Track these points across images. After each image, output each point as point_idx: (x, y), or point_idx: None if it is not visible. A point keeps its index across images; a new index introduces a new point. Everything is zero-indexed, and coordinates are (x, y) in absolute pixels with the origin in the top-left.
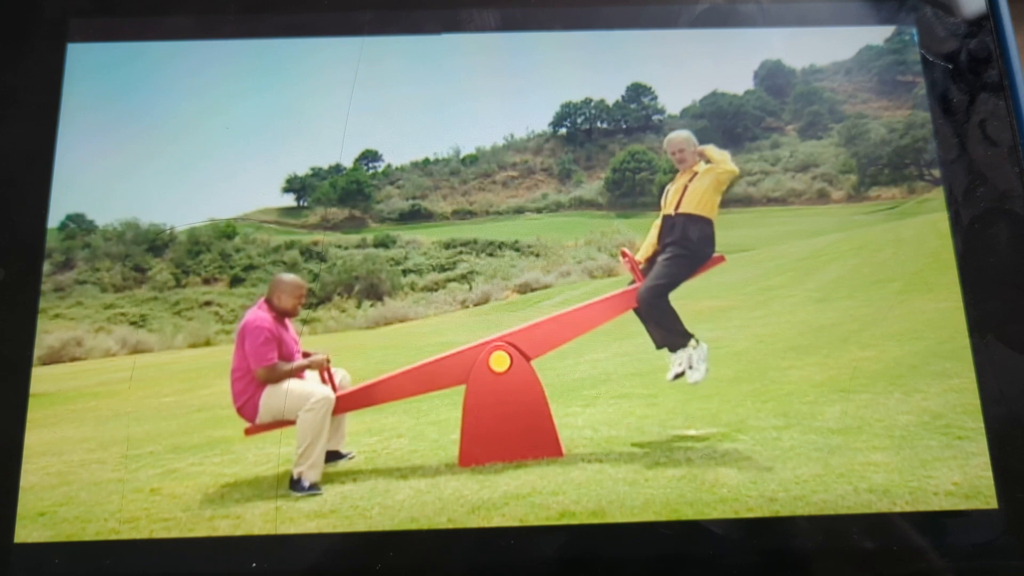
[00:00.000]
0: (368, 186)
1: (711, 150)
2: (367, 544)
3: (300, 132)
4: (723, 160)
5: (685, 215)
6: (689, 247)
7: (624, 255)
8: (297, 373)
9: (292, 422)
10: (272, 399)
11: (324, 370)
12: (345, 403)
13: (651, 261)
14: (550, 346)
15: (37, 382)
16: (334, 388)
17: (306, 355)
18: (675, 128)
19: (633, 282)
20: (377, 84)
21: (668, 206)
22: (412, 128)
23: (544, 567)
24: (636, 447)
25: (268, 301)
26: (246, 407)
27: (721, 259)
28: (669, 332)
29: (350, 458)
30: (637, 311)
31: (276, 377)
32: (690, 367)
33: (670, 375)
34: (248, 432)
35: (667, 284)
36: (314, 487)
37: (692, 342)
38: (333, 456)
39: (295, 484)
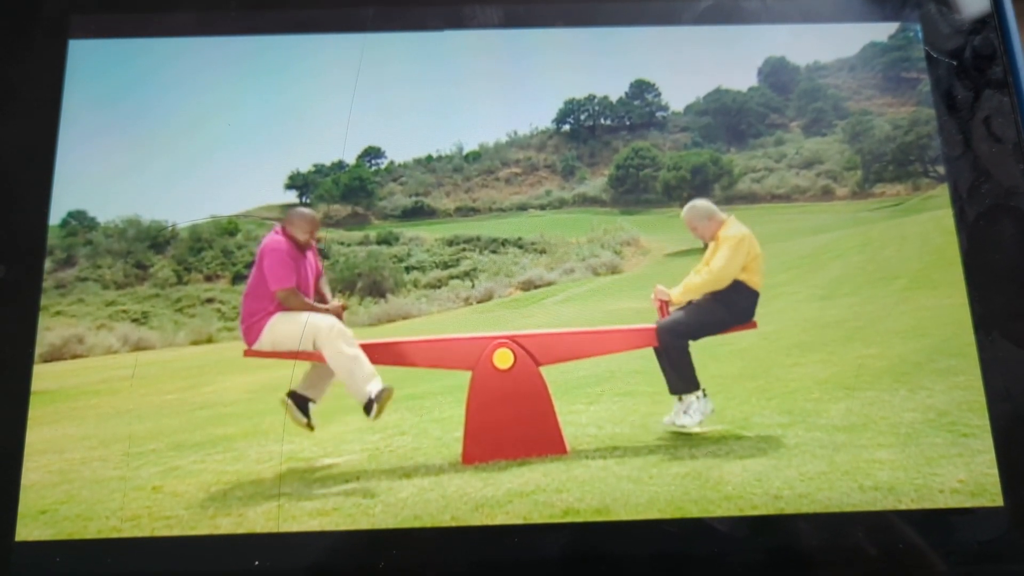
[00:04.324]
0: (371, 183)
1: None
2: (370, 542)
3: (302, 128)
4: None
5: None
6: (728, 305)
7: (658, 299)
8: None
9: (292, 355)
10: (281, 327)
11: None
12: None
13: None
14: (562, 358)
15: (38, 379)
16: None
17: (322, 301)
18: (679, 125)
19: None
20: (380, 80)
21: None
22: (415, 125)
23: (548, 565)
24: (640, 444)
25: (283, 229)
26: (252, 329)
27: (753, 325)
28: (679, 375)
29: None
30: (656, 349)
31: (295, 304)
32: (685, 412)
33: (667, 420)
34: (247, 354)
35: (692, 328)
36: (384, 390)
37: (698, 392)
38: (302, 400)
39: (368, 407)
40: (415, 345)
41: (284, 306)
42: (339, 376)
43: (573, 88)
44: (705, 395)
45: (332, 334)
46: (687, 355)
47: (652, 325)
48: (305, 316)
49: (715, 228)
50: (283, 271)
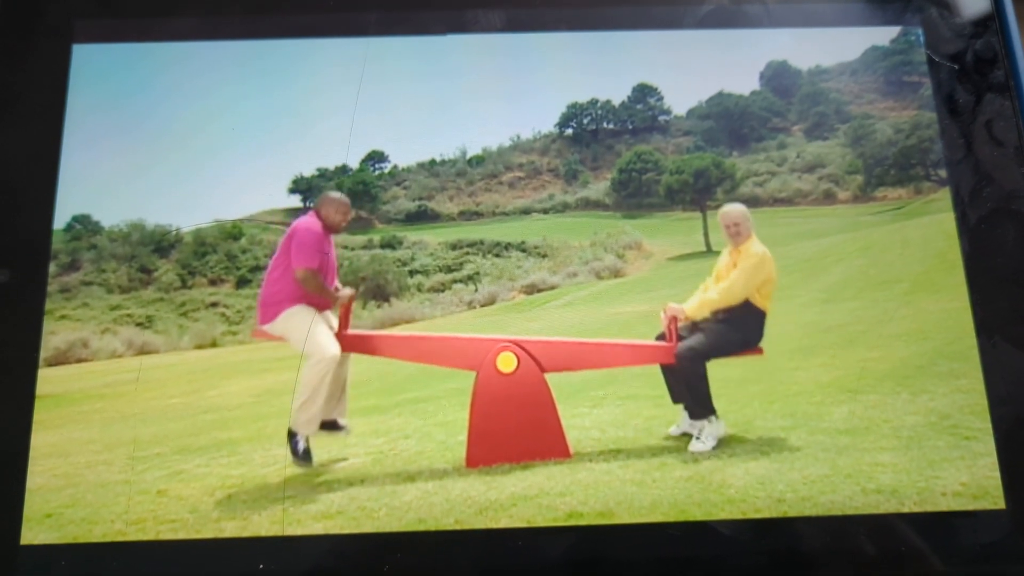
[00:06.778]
0: (374, 187)
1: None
2: (374, 545)
3: (306, 133)
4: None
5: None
6: (741, 327)
7: (667, 315)
8: (328, 299)
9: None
10: (295, 323)
11: (346, 307)
12: (355, 344)
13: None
14: (568, 368)
15: (43, 383)
16: (347, 326)
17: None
18: (682, 129)
19: (661, 337)
20: (383, 85)
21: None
22: (418, 129)
23: (552, 568)
24: (644, 448)
25: (316, 212)
26: (270, 309)
27: (760, 351)
28: (696, 400)
29: (346, 432)
30: (666, 367)
31: (313, 285)
32: (697, 437)
33: (675, 431)
34: (254, 335)
35: (710, 351)
36: (307, 453)
37: (712, 416)
38: (330, 425)
39: (292, 438)
40: (419, 339)
41: (302, 287)
42: (298, 389)
43: (576, 92)
44: (717, 417)
45: (322, 363)
46: (705, 380)
47: (664, 344)
48: (315, 326)
49: (745, 237)
50: (310, 252)
